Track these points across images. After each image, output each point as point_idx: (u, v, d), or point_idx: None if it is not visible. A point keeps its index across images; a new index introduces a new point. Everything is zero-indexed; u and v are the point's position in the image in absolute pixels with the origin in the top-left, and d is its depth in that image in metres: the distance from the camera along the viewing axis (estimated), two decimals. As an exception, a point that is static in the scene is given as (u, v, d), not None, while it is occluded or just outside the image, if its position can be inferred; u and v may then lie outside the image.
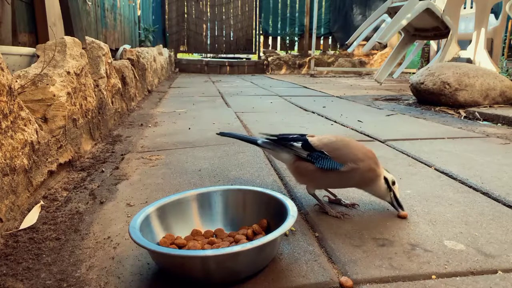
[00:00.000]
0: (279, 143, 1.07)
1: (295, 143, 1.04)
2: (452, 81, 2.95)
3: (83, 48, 1.77)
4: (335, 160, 0.98)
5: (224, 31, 9.11)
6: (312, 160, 1.00)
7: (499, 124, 2.42)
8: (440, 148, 1.74)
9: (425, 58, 7.26)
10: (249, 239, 0.82)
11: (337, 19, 9.20)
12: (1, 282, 0.71)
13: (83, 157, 1.53)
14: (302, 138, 1.05)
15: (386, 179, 1.00)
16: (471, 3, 5.26)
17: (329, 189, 1.11)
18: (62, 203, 1.09)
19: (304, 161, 1.02)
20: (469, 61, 4.54)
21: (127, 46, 4.00)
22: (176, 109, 2.94)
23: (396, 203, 1.02)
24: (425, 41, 6.18)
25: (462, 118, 2.65)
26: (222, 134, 1.15)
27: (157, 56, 5.15)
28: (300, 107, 3.09)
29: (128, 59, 3.30)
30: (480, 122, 2.52)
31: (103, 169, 1.41)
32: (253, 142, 1.14)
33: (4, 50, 1.52)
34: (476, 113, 2.66)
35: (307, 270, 0.76)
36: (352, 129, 2.18)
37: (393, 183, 1.01)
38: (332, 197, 1.11)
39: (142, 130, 2.14)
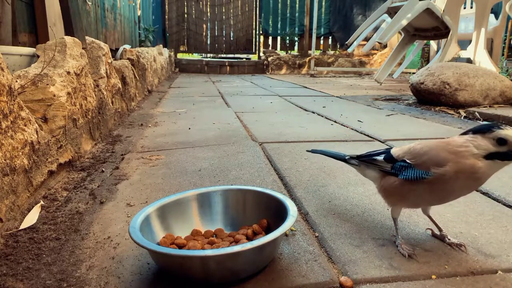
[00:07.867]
0: (364, 159, 0.97)
1: (377, 157, 0.93)
2: (452, 81, 2.95)
3: (83, 48, 1.77)
4: (418, 168, 0.82)
5: (224, 31, 9.11)
6: (396, 173, 0.86)
7: (499, 124, 2.42)
8: (440, 148, 1.73)
9: (425, 58, 7.25)
10: (249, 239, 0.82)
11: (337, 19, 9.21)
12: (1, 282, 0.71)
13: (83, 157, 1.53)
14: (386, 151, 0.94)
15: (492, 154, 0.80)
16: (471, 3, 5.26)
17: (432, 219, 0.92)
18: (62, 203, 1.09)
19: (389, 176, 0.88)
20: (469, 61, 4.54)
21: (127, 46, 4.00)
22: (176, 109, 2.94)
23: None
24: (425, 41, 6.18)
25: (462, 118, 2.65)
26: (313, 151, 1.11)
27: (157, 56, 5.14)
28: (300, 107, 3.09)
29: (128, 59, 3.30)
30: (480, 122, 2.52)
31: (103, 169, 1.41)
32: (340, 158, 1.06)
33: (4, 50, 1.52)
34: (476, 113, 2.66)
35: (307, 270, 0.76)
36: (352, 129, 2.18)
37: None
38: (436, 232, 0.91)
39: (142, 130, 2.14)
